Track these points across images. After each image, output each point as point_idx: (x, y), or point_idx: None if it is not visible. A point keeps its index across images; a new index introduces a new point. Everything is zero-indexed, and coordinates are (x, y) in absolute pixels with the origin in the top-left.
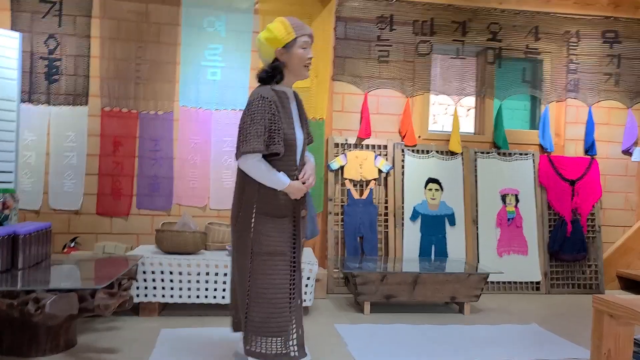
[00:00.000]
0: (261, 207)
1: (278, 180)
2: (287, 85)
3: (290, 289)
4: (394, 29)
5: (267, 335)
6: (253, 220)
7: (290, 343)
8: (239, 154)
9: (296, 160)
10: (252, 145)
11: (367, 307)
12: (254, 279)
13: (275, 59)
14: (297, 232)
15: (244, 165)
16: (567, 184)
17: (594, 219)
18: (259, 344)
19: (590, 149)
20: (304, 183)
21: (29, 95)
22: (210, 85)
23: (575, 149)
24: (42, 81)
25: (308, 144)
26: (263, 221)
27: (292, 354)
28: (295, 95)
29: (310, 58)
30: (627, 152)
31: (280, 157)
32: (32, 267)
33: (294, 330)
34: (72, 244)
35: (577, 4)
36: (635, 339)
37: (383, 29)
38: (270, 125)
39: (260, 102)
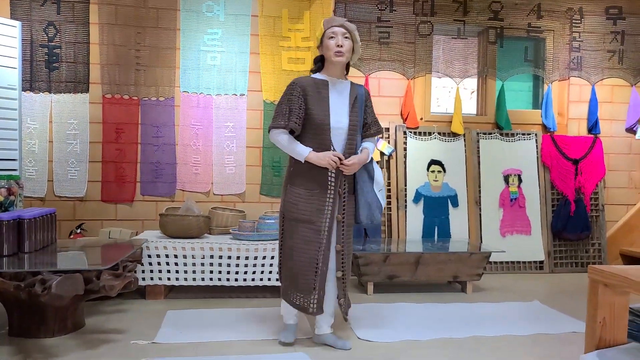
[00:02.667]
0: (292, 179)
1: (298, 151)
2: (331, 74)
3: (318, 255)
4: (394, 10)
5: (292, 290)
6: (286, 190)
7: (311, 300)
8: (269, 129)
9: (329, 141)
10: (275, 122)
11: (370, 287)
12: (284, 240)
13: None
14: (329, 206)
15: (271, 139)
16: (571, 163)
17: (598, 197)
18: (288, 294)
19: (593, 127)
20: (342, 163)
21: (30, 83)
22: (211, 71)
23: (579, 128)
24: (42, 69)
25: (373, 134)
26: (293, 192)
27: (310, 309)
28: (352, 86)
29: (340, 46)
30: (631, 130)
31: (312, 136)
32: (39, 251)
33: (316, 291)
34: (78, 231)
35: None
36: (630, 307)
37: (383, 10)
38: (291, 106)
39: (289, 87)
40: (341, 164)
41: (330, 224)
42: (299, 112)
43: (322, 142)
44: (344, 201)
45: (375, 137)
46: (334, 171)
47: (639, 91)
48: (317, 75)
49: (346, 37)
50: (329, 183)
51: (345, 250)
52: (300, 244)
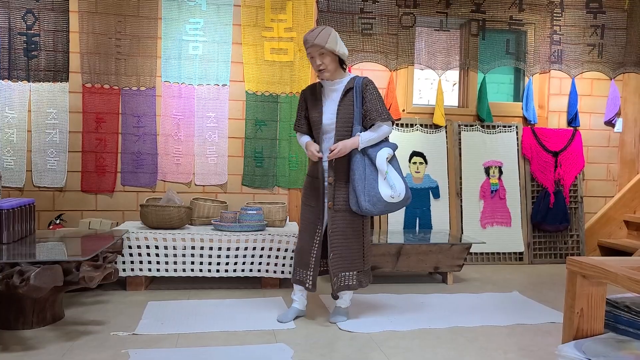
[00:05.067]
0: (309, 168)
1: (300, 142)
2: (331, 79)
3: (315, 237)
4: (377, 1)
5: (296, 265)
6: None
7: (307, 276)
8: None
9: (321, 135)
10: (294, 126)
11: None
12: (300, 221)
13: None
14: (323, 194)
15: None
16: (550, 156)
17: (577, 189)
18: (294, 269)
19: (573, 120)
20: (331, 151)
21: (8, 72)
22: (193, 60)
23: (559, 121)
24: (21, 57)
25: (372, 120)
26: (306, 179)
27: (307, 284)
28: (350, 80)
29: (318, 65)
30: (610, 123)
31: (314, 134)
32: (17, 242)
33: (311, 269)
34: (58, 221)
35: None
36: (607, 298)
37: (366, 1)
38: (299, 113)
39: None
40: (331, 152)
41: (324, 210)
42: (301, 115)
43: (318, 136)
44: (334, 189)
45: (380, 125)
46: (326, 161)
47: (617, 85)
48: (323, 81)
49: (322, 54)
50: (322, 172)
51: (332, 232)
52: (304, 223)
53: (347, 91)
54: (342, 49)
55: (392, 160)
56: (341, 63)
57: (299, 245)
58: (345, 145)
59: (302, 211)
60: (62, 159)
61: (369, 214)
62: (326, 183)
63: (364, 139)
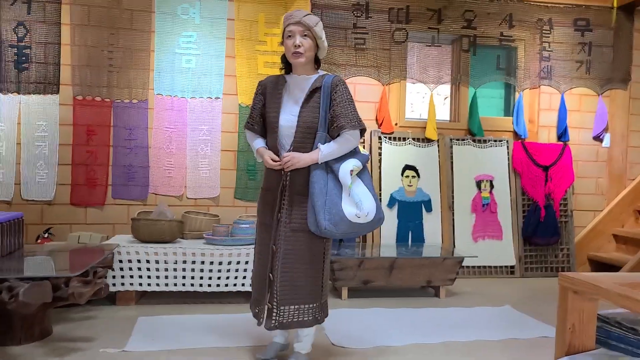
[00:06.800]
0: (263, 178)
1: (253, 146)
2: (299, 73)
3: (272, 261)
4: (370, 17)
5: (252, 296)
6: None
7: (262, 310)
8: None
9: (277, 140)
10: (245, 122)
11: (344, 292)
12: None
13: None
14: (277, 207)
15: None
16: (541, 170)
17: (567, 203)
18: (251, 301)
19: (562, 135)
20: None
21: None
22: (186, 73)
23: (549, 135)
24: (11, 70)
25: (337, 129)
26: (260, 193)
27: (260, 319)
28: (318, 79)
29: (297, 46)
30: (598, 138)
31: (269, 135)
32: (5, 257)
33: (267, 301)
34: (46, 235)
35: None
36: (598, 314)
37: (359, 16)
38: (253, 106)
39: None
40: (283, 159)
41: (277, 227)
42: (257, 111)
43: (273, 141)
44: (286, 202)
45: (347, 132)
46: (283, 170)
47: (605, 101)
48: (287, 75)
49: (305, 35)
50: (279, 182)
51: (285, 255)
52: (260, 245)
53: (314, 91)
54: (325, 42)
55: (363, 175)
56: (316, 60)
57: (255, 270)
58: (299, 158)
59: (258, 231)
60: (51, 171)
61: (330, 235)
62: (278, 193)
63: (324, 152)
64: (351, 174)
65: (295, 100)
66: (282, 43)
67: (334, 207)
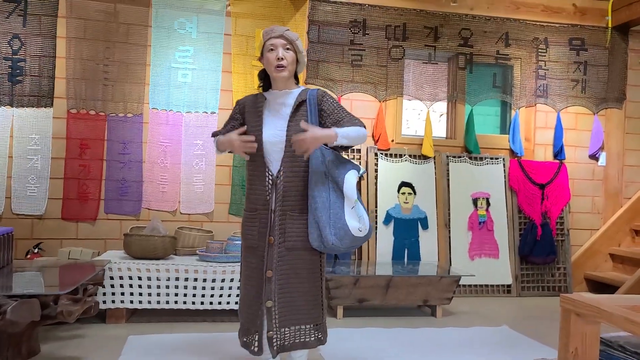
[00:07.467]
0: (246, 199)
1: (216, 143)
2: (279, 88)
3: (264, 287)
4: (367, 34)
5: (241, 324)
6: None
7: (254, 338)
8: None
9: (262, 157)
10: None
11: (340, 311)
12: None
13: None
14: (268, 228)
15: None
16: (537, 188)
17: (563, 222)
18: (239, 329)
19: (559, 153)
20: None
21: None
22: (181, 88)
23: (545, 154)
24: (5, 82)
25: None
26: (244, 215)
27: (252, 347)
28: (302, 93)
29: (280, 59)
30: (594, 157)
31: (251, 154)
32: None
33: (259, 328)
34: (36, 250)
35: (545, 11)
36: (601, 337)
37: (356, 33)
38: (228, 122)
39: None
40: (297, 140)
41: (269, 249)
42: (229, 127)
43: (257, 158)
44: (277, 220)
45: (355, 127)
46: (270, 184)
47: (600, 119)
48: (266, 92)
49: (287, 49)
50: (265, 200)
51: (281, 275)
52: (248, 271)
53: (300, 104)
54: (304, 57)
55: None
56: (295, 74)
57: (243, 297)
58: (315, 136)
59: (244, 255)
60: (42, 185)
61: (334, 251)
62: (268, 213)
63: (341, 133)
64: (356, 187)
65: (280, 116)
66: (260, 58)
67: (338, 221)
